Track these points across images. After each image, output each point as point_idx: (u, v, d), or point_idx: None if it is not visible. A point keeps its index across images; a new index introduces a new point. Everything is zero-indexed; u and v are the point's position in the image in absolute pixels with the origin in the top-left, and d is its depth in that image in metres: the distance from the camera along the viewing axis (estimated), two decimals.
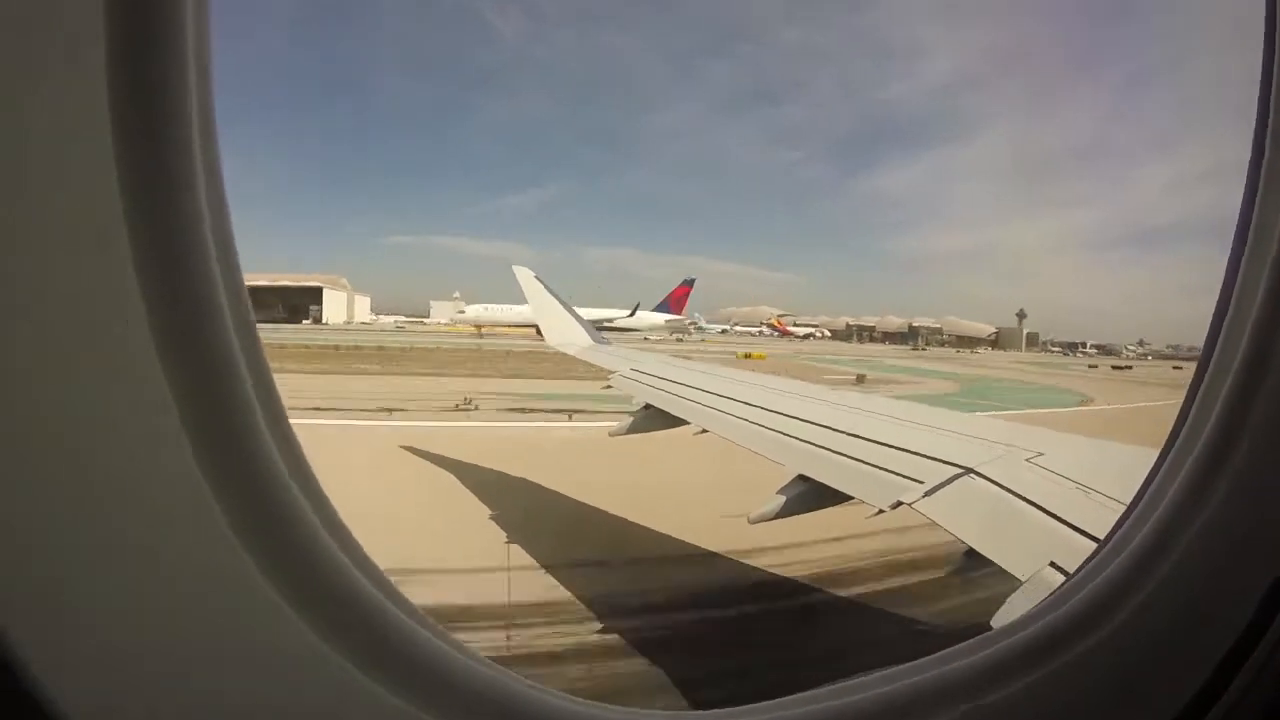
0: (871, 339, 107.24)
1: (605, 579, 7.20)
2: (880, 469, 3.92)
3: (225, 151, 0.67)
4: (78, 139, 0.56)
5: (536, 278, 12.07)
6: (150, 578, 0.59)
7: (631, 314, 64.04)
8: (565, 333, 11.24)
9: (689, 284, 71.83)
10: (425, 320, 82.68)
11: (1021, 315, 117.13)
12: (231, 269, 0.64)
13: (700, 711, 0.82)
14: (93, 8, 0.55)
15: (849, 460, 4.19)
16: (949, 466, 3.61)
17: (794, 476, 4.24)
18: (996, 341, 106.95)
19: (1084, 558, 1.01)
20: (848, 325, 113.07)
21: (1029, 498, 2.97)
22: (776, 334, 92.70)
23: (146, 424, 0.59)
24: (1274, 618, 0.79)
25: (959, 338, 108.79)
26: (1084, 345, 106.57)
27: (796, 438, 4.81)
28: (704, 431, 5.98)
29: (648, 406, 6.95)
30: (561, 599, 6.61)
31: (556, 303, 11.67)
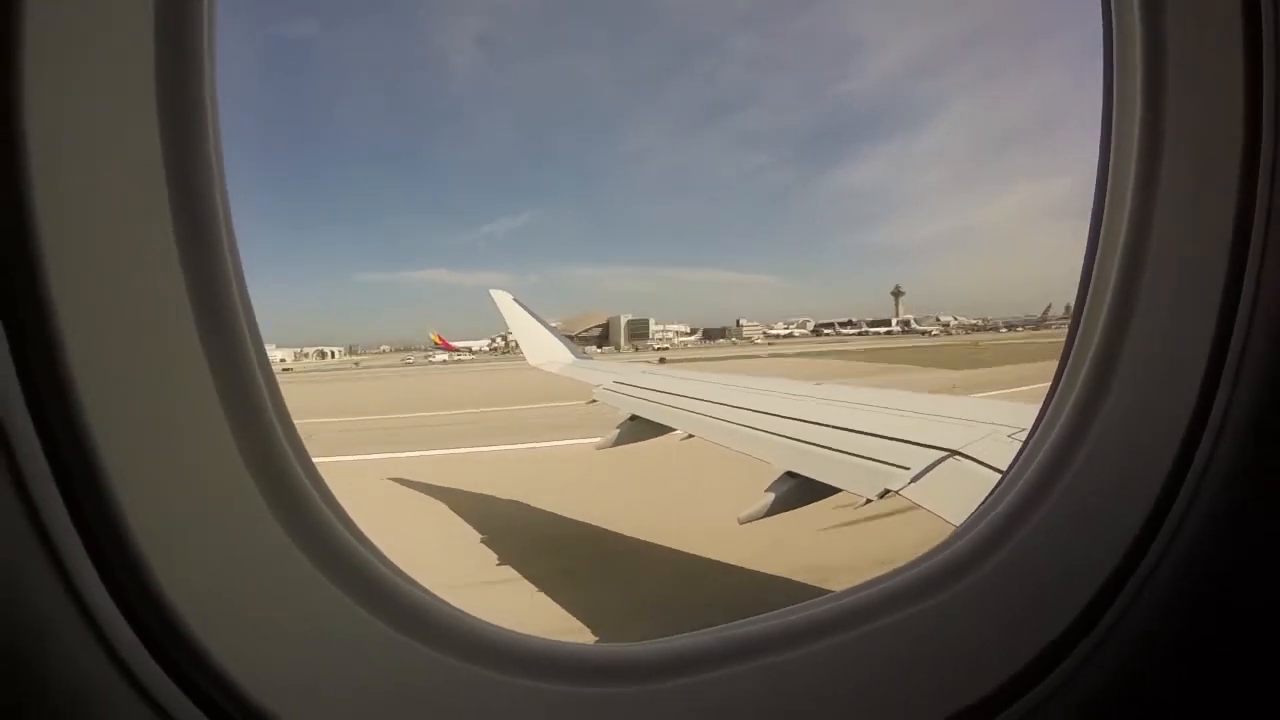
0: None
1: None
2: (866, 459, 3.91)
3: None
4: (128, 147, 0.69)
5: (515, 300, 12.08)
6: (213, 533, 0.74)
7: None
8: (547, 352, 11.21)
9: None
10: None
11: (897, 294, 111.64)
12: (241, 277, 0.77)
13: (698, 631, 0.94)
14: (145, 44, 0.68)
15: (835, 453, 4.17)
16: (934, 450, 3.59)
17: (781, 473, 4.21)
18: (604, 338, 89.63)
19: None
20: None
21: None
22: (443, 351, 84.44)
23: (206, 415, 0.73)
24: (1154, 536, 0.88)
25: None
26: (868, 323, 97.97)
27: (781, 435, 4.79)
28: (690, 437, 5.94)
29: (634, 417, 6.92)
30: None
31: (536, 323, 11.68)
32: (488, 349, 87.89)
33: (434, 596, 0.89)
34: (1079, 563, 0.92)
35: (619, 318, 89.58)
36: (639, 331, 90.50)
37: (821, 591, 1.31)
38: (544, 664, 0.86)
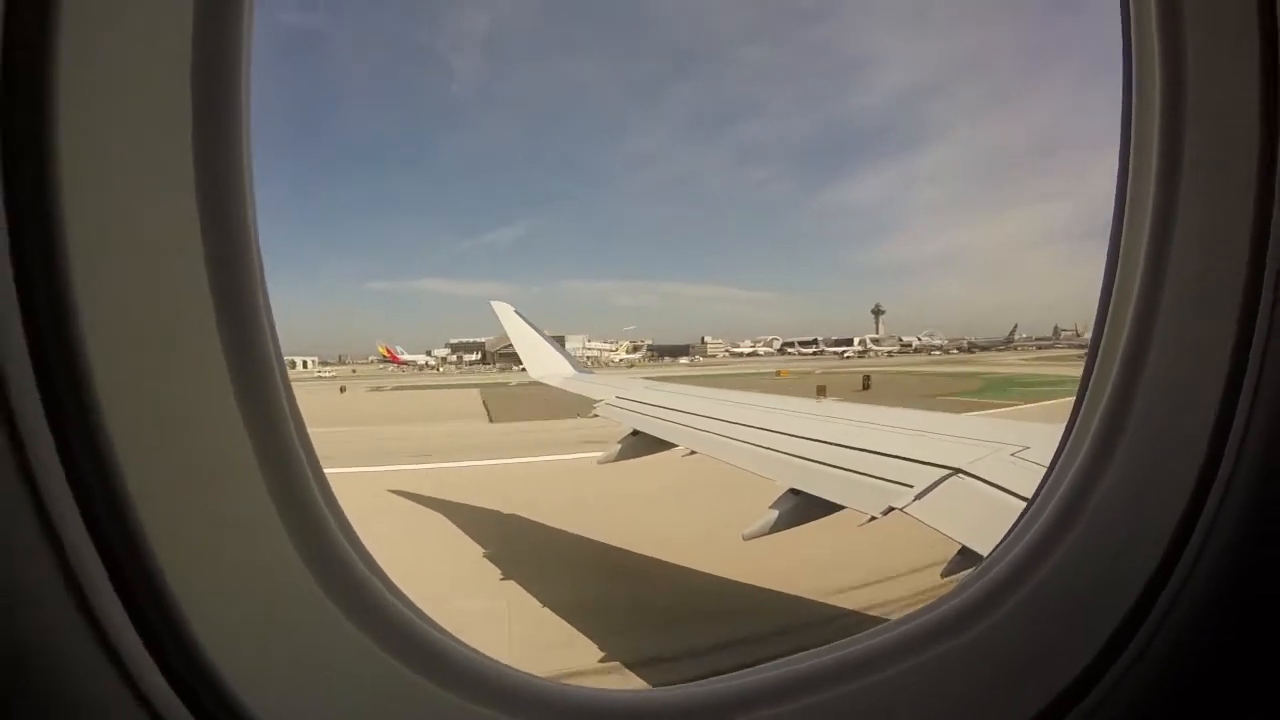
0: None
1: None
2: (870, 476, 3.91)
3: None
4: (164, 155, 0.66)
5: (516, 312, 12.09)
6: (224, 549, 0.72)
7: None
8: (547, 365, 11.20)
9: None
10: None
11: (877, 312, 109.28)
12: (264, 287, 0.75)
13: (703, 679, 0.92)
14: (181, 64, 0.66)
15: (839, 470, 4.18)
16: (937, 469, 3.61)
17: (785, 490, 4.22)
18: None
19: None
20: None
21: (1017, 492, 2.97)
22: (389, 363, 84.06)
23: (223, 418, 0.70)
24: (1169, 576, 0.87)
25: None
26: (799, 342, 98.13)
27: (785, 452, 4.79)
28: (692, 453, 5.94)
29: (635, 433, 6.91)
30: None
31: (537, 336, 11.67)
32: (434, 364, 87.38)
33: (450, 636, 0.87)
34: (1106, 589, 0.90)
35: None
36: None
37: None
38: (563, 710, 0.84)
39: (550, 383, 10.63)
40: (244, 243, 0.71)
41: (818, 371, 55.03)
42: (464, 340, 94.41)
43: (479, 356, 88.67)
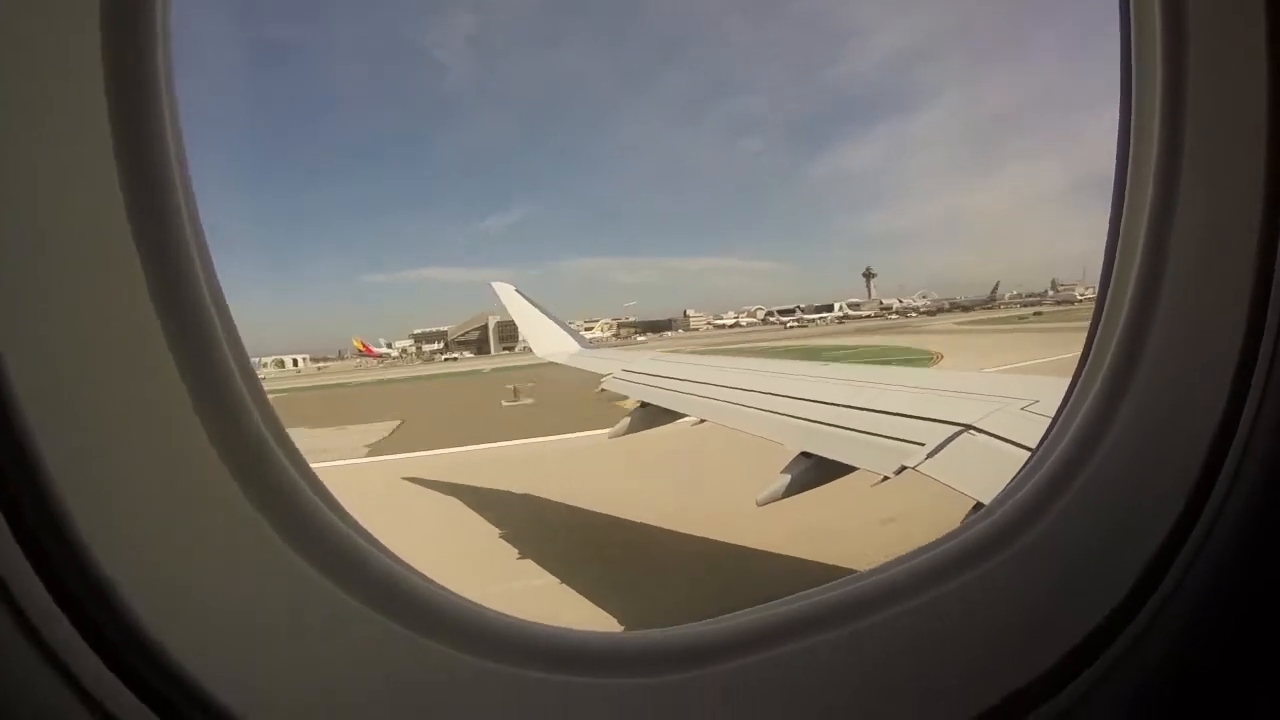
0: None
1: None
2: (881, 436, 3.94)
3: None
4: (84, 163, 0.64)
5: (518, 291, 12.05)
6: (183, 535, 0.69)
7: None
8: (553, 342, 11.21)
9: None
10: None
11: (869, 275, 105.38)
12: (210, 274, 0.73)
13: (726, 615, 0.91)
14: (92, 50, 0.63)
15: (849, 431, 4.20)
16: (948, 426, 3.62)
17: (797, 454, 4.25)
18: (483, 340, 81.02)
19: None
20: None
21: (1028, 445, 2.98)
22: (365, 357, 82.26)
23: (167, 411, 0.68)
24: (1201, 510, 0.85)
25: None
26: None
27: (795, 416, 4.82)
28: (702, 422, 5.98)
29: (644, 404, 6.95)
30: None
31: (540, 314, 11.65)
32: (394, 355, 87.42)
33: (431, 581, 0.84)
34: (1123, 538, 0.89)
35: (489, 320, 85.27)
36: (508, 334, 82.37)
37: None
38: (555, 655, 0.83)
39: (557, 360, 10.65)
40: (178, 234, 0.69)
41: (683, 348, 45.11)
42: (426, 330, 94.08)
43: (440, 345, 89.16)
